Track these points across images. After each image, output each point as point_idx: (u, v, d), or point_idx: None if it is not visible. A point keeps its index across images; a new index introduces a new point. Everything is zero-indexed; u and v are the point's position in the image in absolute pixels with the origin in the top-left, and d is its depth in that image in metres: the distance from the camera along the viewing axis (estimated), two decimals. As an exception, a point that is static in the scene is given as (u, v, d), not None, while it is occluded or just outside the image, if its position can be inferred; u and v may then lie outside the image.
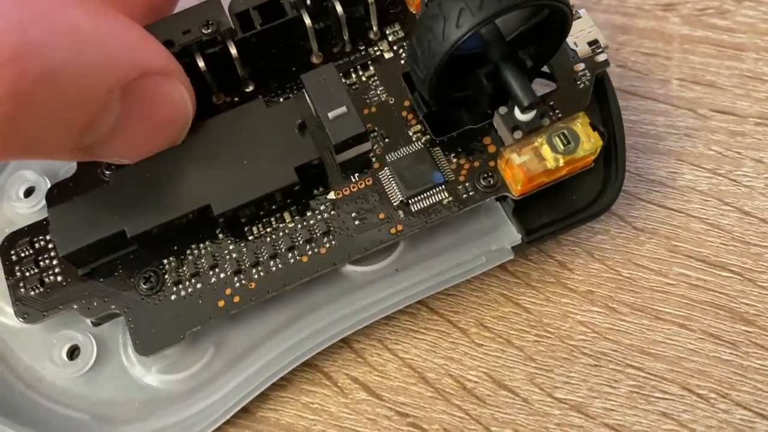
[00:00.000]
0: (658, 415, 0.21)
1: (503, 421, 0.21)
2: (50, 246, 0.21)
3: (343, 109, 0.21)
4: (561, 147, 0.20)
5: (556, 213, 0.22)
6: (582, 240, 0.24)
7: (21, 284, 0.21)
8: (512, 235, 0.22)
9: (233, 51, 0.21)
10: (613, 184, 0.22)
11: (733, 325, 0.22)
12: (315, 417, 0.22)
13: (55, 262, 0.21)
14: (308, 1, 0.21)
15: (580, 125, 0.20)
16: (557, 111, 0.22)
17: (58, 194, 0.21)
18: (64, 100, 0.15)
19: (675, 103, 0.25)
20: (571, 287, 0.23)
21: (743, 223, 0.23)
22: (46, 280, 0.21)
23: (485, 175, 0.21)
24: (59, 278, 0.21)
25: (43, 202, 0.22)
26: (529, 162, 0.20)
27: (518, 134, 0.20)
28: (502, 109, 0.21)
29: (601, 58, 0.22)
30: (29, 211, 0.23)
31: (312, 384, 0.22)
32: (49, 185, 0.23)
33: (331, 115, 0.20)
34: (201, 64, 0.21)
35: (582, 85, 0.22)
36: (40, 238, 0.21)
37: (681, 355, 0.22)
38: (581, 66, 0.22)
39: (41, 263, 0.21)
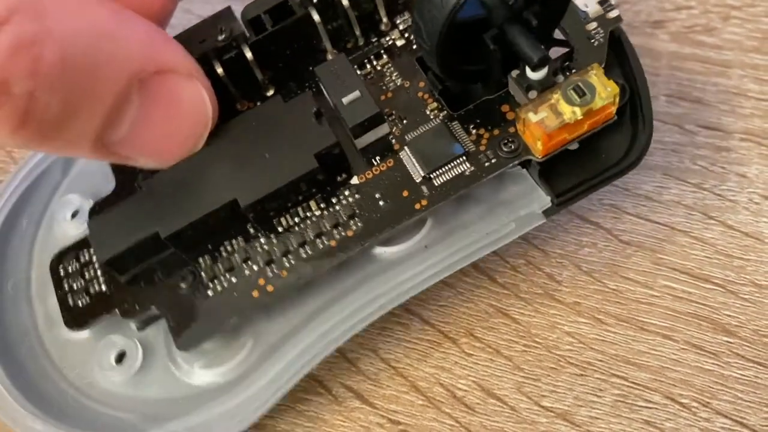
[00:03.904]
0: (642, 423, 0.21)
1: (492, 429, 0.22)
2: (93, 259, 0.22)
3: (356, 93, 0.21)
4: (577, 99, 0.20)
5: (586, 173, 0.21)
6: (570, 253, 0.24)
7: (69, 296, 0.22)
8: (542, 199, 0.21)
9: (248, 54, 0.22)
10: (641, 136, 0.21)
11: (715, 336, 0.22)
12: (310, 424, 0.22)
13: (99, 272, 0.22)
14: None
15: (595, 76, 0.20)
16: (574, 71, 0.22)
17: (99, 210, 0.22)
18: (82, 88, 0.16)
19: (662, 119, 0.25)
20: (558, 299, 0.23)
21: (727, 237, 0.23)
22: (92, 290, 0.22)
23: (506, 141, 0.21)
24: (103, 287, 0.22)
25: (88, 222, 0.23)
26: (546, 119, 0.20)
27: (533, 94, 0.20)
28: (514, 72, 0.20)
29: (612, 14, 0.22)
30: (76, 231, 0.24)
31: (307, 392, 0.23)
32: (93, 206, 0.24)
33: (345, 100, 0.21)
34: (219, 70, 0.22)
35: (597, 43, 0.22)
36: (84, 251, 0.22)
37: (664, 365, 0.22)
38: (594, 25, 0.22)
39: (86, 275, 0.22)
